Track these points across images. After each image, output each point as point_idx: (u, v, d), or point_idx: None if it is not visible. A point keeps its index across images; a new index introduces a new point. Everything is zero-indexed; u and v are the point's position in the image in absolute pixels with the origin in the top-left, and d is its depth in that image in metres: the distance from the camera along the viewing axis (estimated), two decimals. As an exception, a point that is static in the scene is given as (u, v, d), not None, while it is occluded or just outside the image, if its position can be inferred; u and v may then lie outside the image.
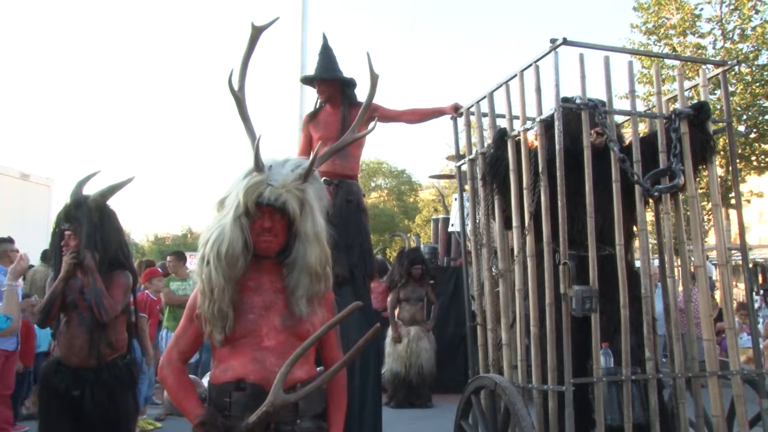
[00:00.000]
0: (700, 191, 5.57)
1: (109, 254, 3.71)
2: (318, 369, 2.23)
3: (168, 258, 8.73)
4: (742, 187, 14.39)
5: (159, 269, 7.96)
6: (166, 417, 7.12)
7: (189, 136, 77.09)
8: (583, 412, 3.35)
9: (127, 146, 71.76)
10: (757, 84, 13.81)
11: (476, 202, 4.17)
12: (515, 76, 3.78)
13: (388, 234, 30.05)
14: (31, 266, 6.52)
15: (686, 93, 3.95)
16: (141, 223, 72.40)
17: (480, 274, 4.13)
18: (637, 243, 3.79)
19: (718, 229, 3.83)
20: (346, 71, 4.54)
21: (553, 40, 3.43)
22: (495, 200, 3.94)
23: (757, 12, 13.97)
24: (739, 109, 13.55)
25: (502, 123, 3.98)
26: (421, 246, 11.20)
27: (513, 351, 3.71)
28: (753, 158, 14.49)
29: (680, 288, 3.90)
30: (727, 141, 4.31)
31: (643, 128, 3.98)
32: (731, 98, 12.36)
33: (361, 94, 4.55)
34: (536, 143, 3.66)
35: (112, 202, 3.84)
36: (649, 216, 3.86)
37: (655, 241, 3.87)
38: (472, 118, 4.27)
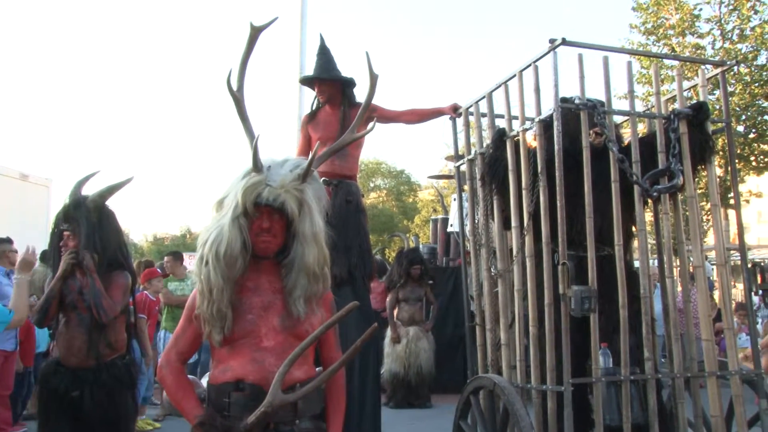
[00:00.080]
0: (699, 191, 5.58)
1: (108, 254, 3.71)
2: (317, 369, 2.23)
3: (165, 258, 8.73)
4: (741, 188, 14.41)
5: (158, 270, 7.96)
6: (165, 417, 7.12)
7: (188, 137, 77.12)
8: (581, 412, 3.35)
9: (126, 146, 71.77)
10: (756, 84, 13.83)
11: (475, 202, 4.17)
12: (514, 76, 3.78)
13: (387, 234, 30.07)
14: None
15: (685, 93, 3.95)
16: (140, 223, 72.42)
17: (479, 275, 4.13)
18: (636, 243, 3.79)
19: (717, 229, 3.83)
20: (345, 71, 4.55)
21: (552, 41, 3.43)
22: (494, 200, 3.94)
23: (756, 12, 13.99)
24: (738, 109, 13.57)
25: (501, 123, 3.98)
26: (420, 246, 11.20)
27: (512, 351, 3.71)
28: (752, 158, 14.51)
29: (679, 288, 3.90)
30: (726, 141, 4.31)
31: (642, 128, 3.98)
32: (730, 98, 12.39)
33: (360, 94, 4.55)
34: (535, 143, 3.66)
35: (111, 203, 3.84)
36: (648, 216, 3.86)
37: (654, 242, 3.87)
38: (471, 119, 4.27)
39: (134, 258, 8.42)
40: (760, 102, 14.03)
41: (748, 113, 13.97)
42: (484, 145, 4.06)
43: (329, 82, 4.49)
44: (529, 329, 3.52)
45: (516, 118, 3.85)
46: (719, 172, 11.58)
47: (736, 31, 14.18)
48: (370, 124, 2.83)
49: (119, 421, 3.65)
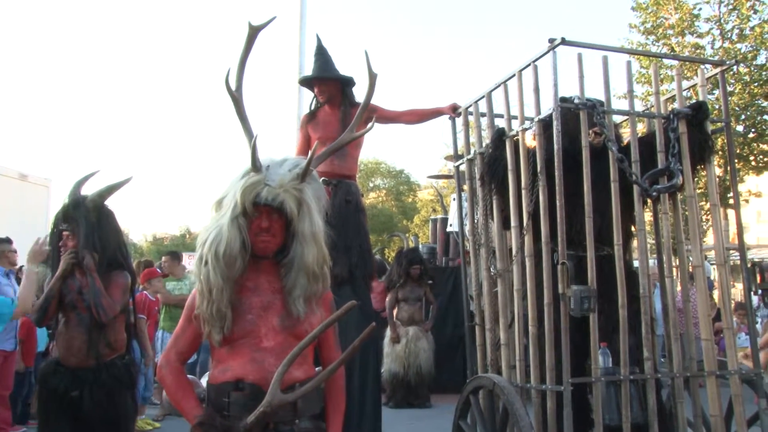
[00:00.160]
0: (699, 191, 5.58)
1: (108, 254, 3.71)
2: (316, 369, 2.23)
3: (163, 258, 8.73)
4: (741, 187, 14.41)
5: (158, 270, 7.96)
6: (164, 417, 7.12)
7: (187, 137, 77.11)
8: (581, 411, 3.35)
9: (126, 146, 71.78)
10: (756, 84, 13.83)
11: (474, 202, 4.17)
12: (513, 75, 3.78)
13: (386, 234, 30.06)
14: (22, 267, 6.51)
15: (684, 93, 3.95)
16: (139, 223, 72.46)
17: (478, 274, 4.12)
18: (635, 243, 3.79)
19: (717, 228, 3.83)
20: (344, 71, 4.54)
21: (551, 40, 3.42)
22: (493, 200, 3.94)
23: (755, 12, 14.00)
24: (737, 108, 13.58)
25: (501, 123, 3.97)
26: (420, 246, 11.20)
27: (511, 351, 3.71)
28: (751, 158, 14.51)
29: (678, 288, 3.90)
30: (725, 141, 4.30)
31: (641, 128, 3.98)
32: (729, 98, 12.36)
33: (359, 93, 4.55)
34: (534, 143, 3.66)
35: (111, 203, 3.84)
36: (648, 216, 3.86)
37: (654, 241, 3.87)
38: (471, 118, 4.26)
39: (134, 258, 8.43)
40: (760, 102, 14.04)
41: (748, 113, 13.98)
42: (484, 144, 4.06)
43: (329, 82, 4.49)
44: (529, 329, 3.51)
45: (515, 117, 3.85)
46: (719, 171, 11.57)
47: (736, 31, 14.19)
48: (369, 124, 2.82)
49: (119, 421, 3.65)
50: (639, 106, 5.89)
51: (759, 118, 14.12)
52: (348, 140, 2.61)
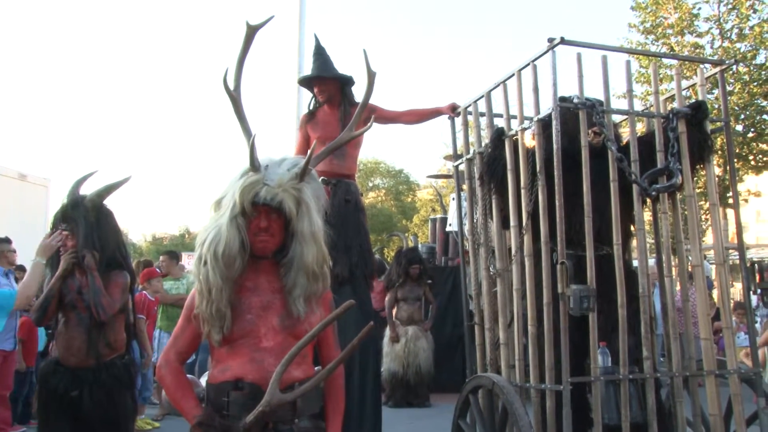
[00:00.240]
0: (698, 191, 5.59)
1: (107, 254, 3.71)
2: (316, 368, 2.23)
3: (161, 258, 8.72)
4: (740, 187, 14.42)
5: (157, 270, 7.95)
6: (164, 417, 7.12)
7: (186, 136, 77.10)
8: (580, 411, 3.35)
9: (125, 146, 71.74)
10: (755, 83, 13.85)
11: (474, 201, 4.17)
12: (513, 75, 3.78)
13: (385, 234, 30.05)
14: (21, 266, 6.51)
15: (684, 92, 3.95)
16: (139, 223, 72.40)
17: (478, 274, 4.13)
18: (634, 242, 3.79)
19: (716, 228, 3.83)
20: (343, 70, 4.54)
21: (550, 40, 3.42)
22: (492, 200, 3.94)
23: (755, 11, 14.02)
24: (736, 108, 13.59)
25: (500, 122, 3.97)
26: (419, 246, 11.18)
27: (511, 350, 3.71)
28: (750, 158, 14.53)
29: (678, 287, 3.90)
30: (724, 140, 4.31)
31: (640, 128, 3.97)
32: (729, 97, 12.39)
33: (358, 92, 4.54)
34: (533, 143, 3.66)
35: (110, 202, 3.84)
36: (647, 215, 3.86)
37: (653, 241, 3.87)
38: (470, 118, 4.26)
39: (133, 258, 8.43)
40: (759, 101, 14.05)
41: (747, 112, 14.00)
42: (483, 144, 4.06)
43: (328, 81, 4.49)
44: (528, 328, 3.52)
45: (514, 117, 3.85)
46: (718, 171, 11.59)
47: (735, 30, 14.21)
48: (368, 123, 2.82)
49: (119, 421, 3.64)
50: (638, 106, 5.89)
51: (758, 117, 14.14)
52: (347, 139, 2.61)
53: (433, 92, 63.59)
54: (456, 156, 4.55)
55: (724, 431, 3.49)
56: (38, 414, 3.79)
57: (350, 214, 4.37)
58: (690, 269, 3.74)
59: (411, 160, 71.69)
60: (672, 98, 4.06)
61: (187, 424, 2.10)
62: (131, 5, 73.27)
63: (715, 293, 4.76)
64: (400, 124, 4.73)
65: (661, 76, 11.86)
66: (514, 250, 3.71)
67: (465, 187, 4.41)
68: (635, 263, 3.67)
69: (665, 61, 13.14)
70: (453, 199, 9.62)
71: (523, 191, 3.65)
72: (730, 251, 9.43)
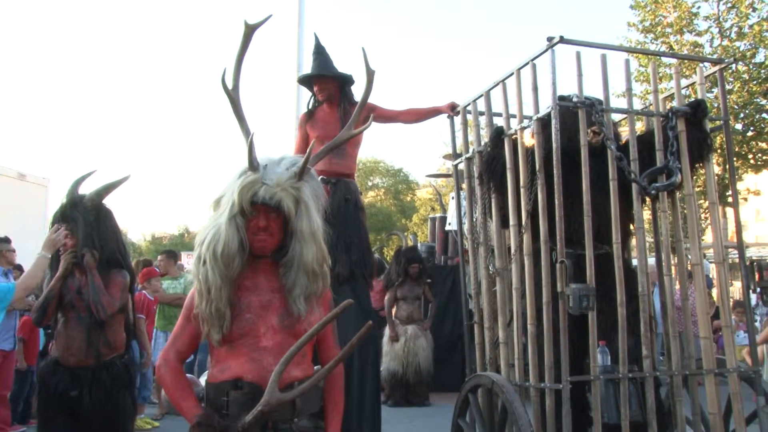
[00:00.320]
0: (697, 189, 5.58)
1: (106, 253, 3.71)
2: (315, 367, 2.23)
3: (159, 257, 8.72)
4: (739, 186, 14.42)
5: (156, 269, 7.95)
6: (163, 416, 7.12)
7: (186, 136, 77.08)
8: (580, 410, 3.35)
9: (124, 145, 71.70)
10: (754, 82, 13.84)
11: (473, 200, 4.17)
12: (512, 74, 3.78)
13: (385, 233, 30.07)
14: (18, 266, 6.51)
15: (683, 91, 3.94)
16: (138, 222, 72.46)
17: (477, 273, 4.12)
18: (634, 241, 3.78)
19: (715, 227, 3.83)
20: (343, 69, 4.53)
21: (549, 39, 3.42)
22: (492, 199, 3.94)
23: (754, 10, 14.02)
24: (736, 107, 13.59)
25: (499, 121, 3.97)
26: (419, 245, 11.17)
27: (510, 349, 3.71)
28: (750, 156, 14.53)
29: (677, 286, 3.90)
30: (724, 139, 4.31)
31: (640, 126, 3.97)
32: (728, 96, 12.38)
33: (357, 91, 4.54)
34: (533, 141, 3.65)
35: (109, 202, 3.83)
36: (647, 214, 3.86)
37: (653, 240, 3.87)
38: (469, 117, 4.26)
39: (132, 257, 8.42)
40: (758, 100, 14.05)
41: (746, 111, 13.99)
42: (482, 143, 4.06)
43: (328, 80, 4.48)
44: (528, 327, 3.51)
45: (514, 116, 3.85)
46: (717, 170, 11.60)
47: (735, 29, 14.20)
48: (367, 122, 2.82)
49: (118, 420, 3.65)
50: (638, 105, 5.88)
51: (757, 116, 14.13)
52: (346, 138, 2.61)
53: (432, 91, 63.63)
54: (455, 155, 4.55)
55: (724, 430, 3.49)
56: (38, 414, 3.79)
57: (350, 213, 4.37)
58: (689, 268, 3.74)
59: (410, 159, 71.77)
60: (671, 97, 4.06)
61: (186, 423, 2.10)
62: (131, 5, 73.26)
63: (715, 292, 4.76)
64: (399, 123, 4.74)
65: (660, 74, 11.87)
66: (514, 249, 3.70)
67: (464, 186, 4.41)
68: (635, 262, 3.67)
69: (664, 59, 13.16)
70: (452, 198, 9.61)
71: (522, 190, 3.65)
72: (730, 250, 9.45)
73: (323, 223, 2.23)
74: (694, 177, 3.86)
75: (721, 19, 14.27)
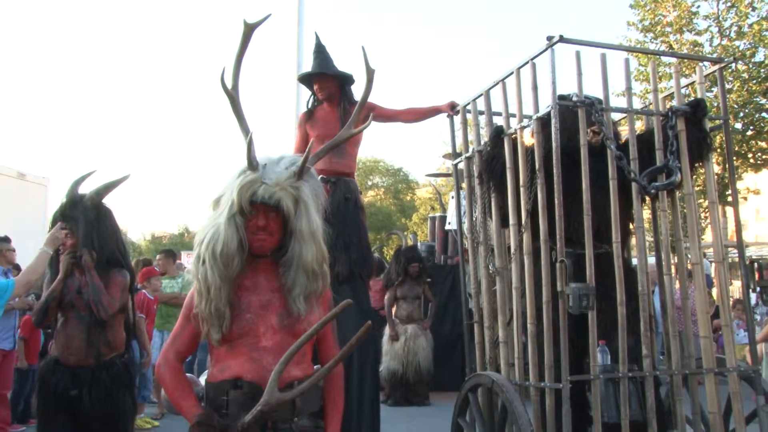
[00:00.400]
0: (697, 189, 5.58)
1: (106, 253, 3.71)
2: (315, 367, 2.23)
3: (158, 256, 8.72)
4: (739, 185, 14.42)
5: (158, 268, 7.95)
6: (163, 416, 7.11)
7: (186, 135, 77.06)
8: (580, 409, 3.35)
9: (124, 145, 71.64)
10: (754, 81, 13.84)
11: (473, 200, 4.17)
12: (512, 73, 3.78)
13: (384, 232, 30.08)
14: (17, 266, 6.50)
15: (683, 90, 3.94)
16: (138, 222, 72.20)
17: (477, 272, 4.13)
18: (633, 240, 3.78)
19: (715, 226, 3.83)
20: (343, 69, 4.53)
21: (549, 38, 3.42)
22: (492, 198, 3.94)
23: (753, 9, 14.01)
24: (735, 106, 13.58)
25: (499, 121, 3.97)
26: (418, 244, 11.18)
27: (510, 348, 3.71)
28: (749, 156, 14.53)
29: (677, 285, 3.91)
30: (723, 138, 4.31)
31: (639, 126, 3.97)
32: (728, 95, 12.39)
33: (357, 90, 4.54)
34: (532, 141, 3.65)
35: (109, 201, 3.83)
36: (646, 213, 3.86)
37: (652, 239, 3.87)
38: (469, 116, 4.26)
39: (132, 257, 8.42)
40: (758, 99, 14.04)
41: (746, 110, 13.99)
42: (482, 142, 4.06)
43: (329, 79, 4.48)
44: (528, 327, 3.51)
45: (513, 115, 3.85)
46: (717, 169, 11.59)
47: (734, 28, 14.20)
48: (366, 121, 2.82)
49: (118, 420, 3.65)
50: (637, 104, 5.88)
51: (757, 115, 14.13)
52: (346, 137, 2.60)
53: (432, 91, 63.61)
54: (455, 154, 4.55)
55: (724, 429, 3.50)
56: (37, 413, 3.79)
57: (350, 212, 4.37)
58: (689, 267, 3.74)
59: (410, 158, 71.80)
60: (671, 96, 4.06)
61: (186, 423, 2.10)
62: (130, 4, 73.22)
63: (715, 291, 4.76)
64: (399, 123, 4.73)
65: (660, 74, 11.86)
66: (514, 249, 3.71)
67: (464, 185, 4.41)
68: (634, 261, 3.67)
69: (664, 59, 13.16)
70: (452, 197, 9.62)
71: (522, 189, 3.65)
72: (730, 249, 9.44)
73: (323, 223, 2.23)
74: (694, 176, 3.86)
75: (720, 19, 14.27)
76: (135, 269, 5.89)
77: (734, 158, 6.76)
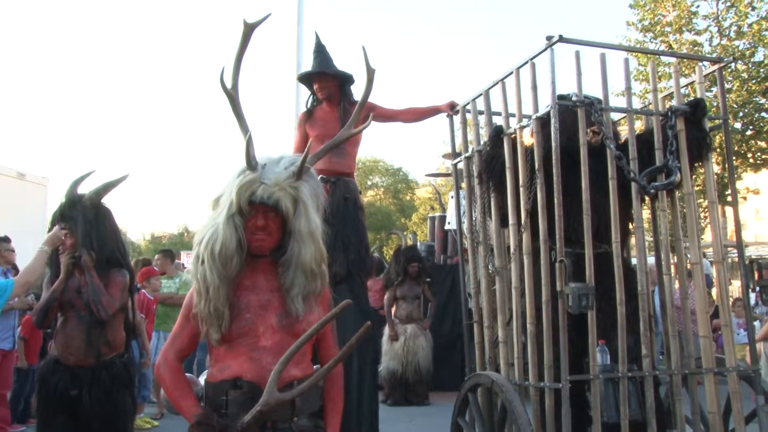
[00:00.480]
0: (697, 188, 5.58)
1: (106, 253, 3.71)
2: (315, 367, 2.23)
3: (156, 256, 8.72)
4: (738, 185, 14.41)
5: (156, 268, 7.95)
6: (162, 415, 7.11)
7: (186, 135, 77.04)
8: (579, 409, 3.35)
9: (124, 145, 71.66)
10: (754, 81, 13.83)
11: (473, 199, 4.17)
12: (511, 73, 3.78)
13: (384, 232, 30.07)
14: (15, 266, 6.50)
15: (682, 90, 3.94)
16: (137, 221, 72.37)
17: (476, 272, 4.12)
18: (633, 240, 3.78)
19: (715, 226, 3.83)
20: (343, 68, 4.53)
21: (549, 38, 3.42)
22: (491, 198, 3.94)
23: (753, 9, 14.01)
24: (735, 106, 13.58)
25: (498, 120, 3.97)
26: (418, 244, 11.17)
27: (510, 348, 3.71)
28: (749, 155, 14.52)
29: (677, 285, 3.91)
30: (723, 138, 4.31)
31: (639, 125, 3.97)
32: (727, 95, 12.36)
33: (357, 90, 4.54)
34: (532, 140, 3.65)
35: (108, 201, 3.83)
36: (646, 213, 3.86)
37: (652, 239, 3.87)
38: (469, 116, 4.26)
39: (132, 257, 8.41)
40: (758, 99, 14.04)
41: (746, 110, 13.99)
42: (482, 142, 4.06)
43: (329, 78, 4.47)
44: (527, 326, 3.51)
45: (513, 115, 3.84)
46: (716, 169, 11.59)
47: (734, 28, 14.19)
48: (366, 121, 2.82)
49: (118, 420, 3.65)
50: (637, 104, 5.89)
51: (757, 115, 14.12)
52: (345, 137, 2.60)
53: (432, 90, 63.62)
54: (455, 154, 4.55)
55: (723, 429, 3.50)
56: (37, 413, 3.78)
57: (349, 212, 4.37)
58: (689, 267, 3.74)
59: (410, 158, 71.74)
60: (670, 96, 4.06)
61: (186, 423, 2.10)
62: (130, 5, 73.20)
63: (714, 291, 4.76)
64: (398, 123, 4.73)
65: (659, 73, 11.87)
66: (513, 248, 3.70)
67: (464, 185, 4.41)
68: (634, 261, 3.67)
69: (664, 58, 13.15)
70: (452, 197, 9.62)
71: (521, 189, 3.65)
72: (729, 249, 9.44)
73: (322, 223, 2.23)
74: (694, 176, 3.86)
75: (720, 18, 14.26)
76: (134, 269, 5.89)
77: (734, 158, 6.77)
